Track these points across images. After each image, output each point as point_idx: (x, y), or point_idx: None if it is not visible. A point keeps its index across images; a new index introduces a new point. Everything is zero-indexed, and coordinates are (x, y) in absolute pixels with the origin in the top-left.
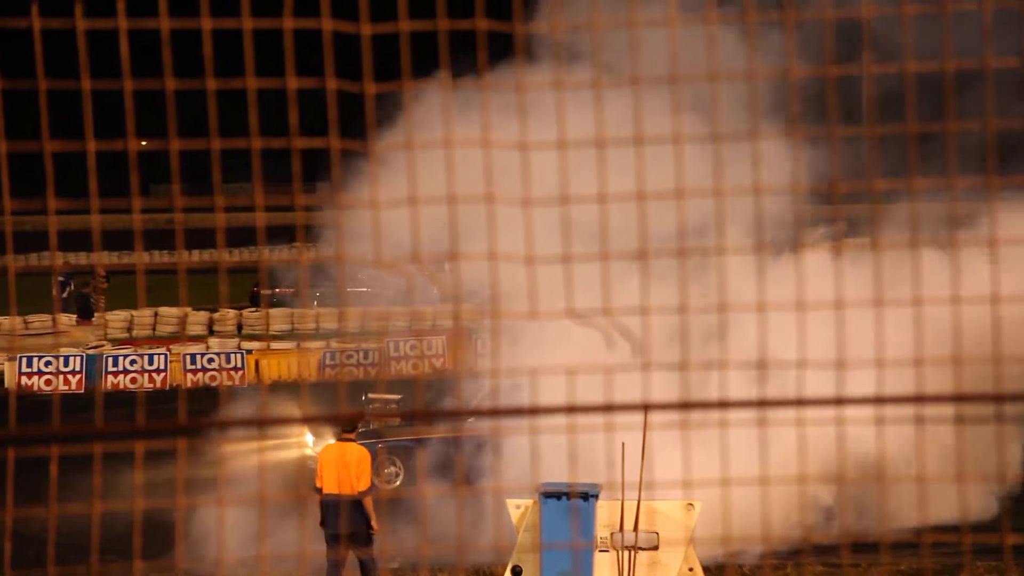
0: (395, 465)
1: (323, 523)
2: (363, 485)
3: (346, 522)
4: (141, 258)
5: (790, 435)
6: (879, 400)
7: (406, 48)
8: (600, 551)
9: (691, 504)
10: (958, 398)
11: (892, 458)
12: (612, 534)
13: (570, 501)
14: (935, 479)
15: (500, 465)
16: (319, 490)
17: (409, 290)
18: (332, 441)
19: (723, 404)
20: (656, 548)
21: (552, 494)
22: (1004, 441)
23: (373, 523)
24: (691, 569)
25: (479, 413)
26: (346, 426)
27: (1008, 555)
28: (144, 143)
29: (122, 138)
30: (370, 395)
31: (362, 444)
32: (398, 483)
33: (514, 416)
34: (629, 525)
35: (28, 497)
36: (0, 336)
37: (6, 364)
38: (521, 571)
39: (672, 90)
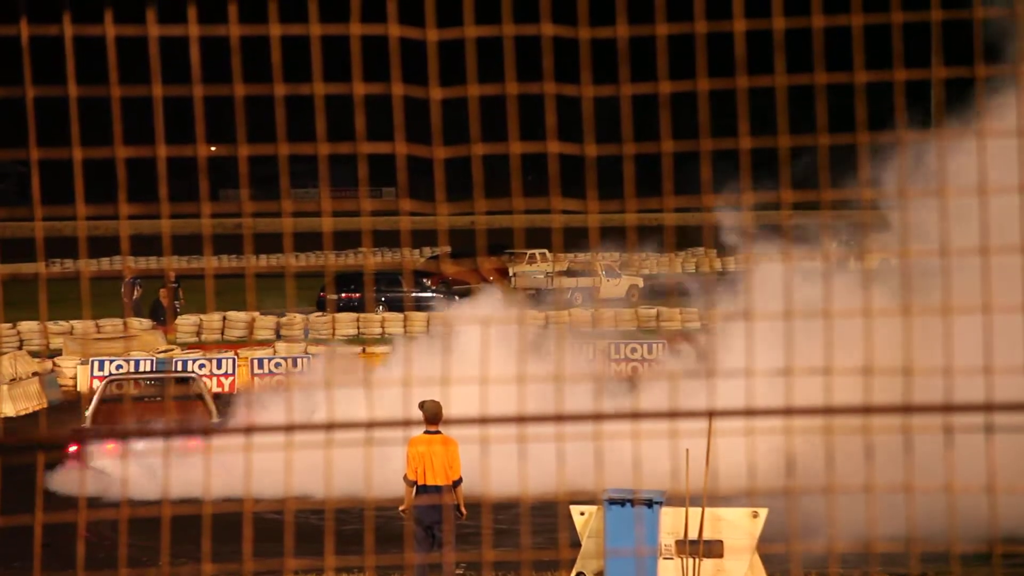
0: None
1: (405, 509)
2: (456, 475)
3: (438, 511)
4: (210, 262)
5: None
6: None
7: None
8: (664, 558)
9: (756, 512)
10: None
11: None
12: (677, 541)
13: (634, 508)
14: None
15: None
16: (413, 483)
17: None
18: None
19: (788, 411)
20: (721, 556)
21: (616, 501)
22: None
23: (462, 509)
24: None
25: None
26: (431, 419)
27: None
28: (213, 149)
29: (191, 144)
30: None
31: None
32: None
33: (578, 422)
34: (694, 532)
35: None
36: (73, 340)
37: (79, 367)
38: None
39: None
